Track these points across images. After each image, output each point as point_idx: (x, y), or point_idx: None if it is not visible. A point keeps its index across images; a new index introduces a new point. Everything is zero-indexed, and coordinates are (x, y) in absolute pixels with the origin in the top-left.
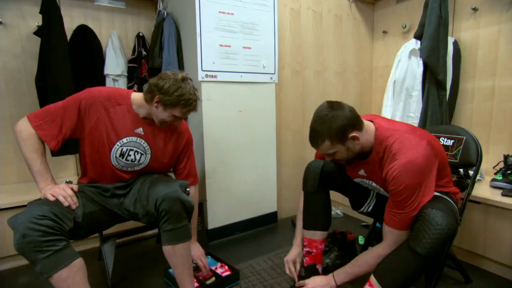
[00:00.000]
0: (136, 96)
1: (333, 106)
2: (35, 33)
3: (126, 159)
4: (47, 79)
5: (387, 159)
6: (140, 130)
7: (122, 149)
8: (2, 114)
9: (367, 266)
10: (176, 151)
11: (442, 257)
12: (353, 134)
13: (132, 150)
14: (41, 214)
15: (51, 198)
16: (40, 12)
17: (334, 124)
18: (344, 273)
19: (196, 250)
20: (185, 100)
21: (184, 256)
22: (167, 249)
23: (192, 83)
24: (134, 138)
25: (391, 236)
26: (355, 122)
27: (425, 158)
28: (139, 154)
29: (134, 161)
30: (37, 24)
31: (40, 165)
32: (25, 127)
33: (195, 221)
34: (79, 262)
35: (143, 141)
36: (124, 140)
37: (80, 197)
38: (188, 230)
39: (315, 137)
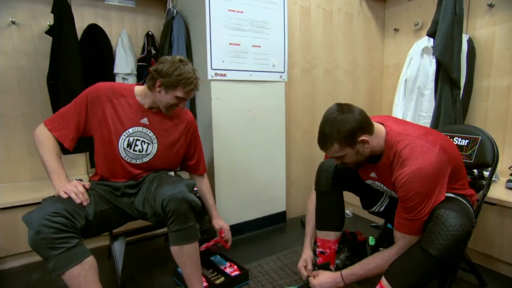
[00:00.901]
0: (140, 88)
1: (342, 108)
2: (47, 32)
3: (133, 150)
4: (59, 77)
5: (396, 164)
6: (145, 120)
7: (128, 139)
8: (14, 112)
9: (377, 267)
10: (182, 138)
11: (456, 259)
12: (363, 137)
13: (139, 140)
14: (54, 211)
15: (64, 196)
16: (52, 12)
17: (343, 127)
18: (352, 273)
19: (223, 223)
20: (185, 79)
21: (192, 256)
22: (175, 249)
23: (191, 64)
24: (140, 128)
25: (403, 241)
26: (364, 125)
27: (435, 165)
28: (146, 144)
29: (142, 151)
30: (48, 23)
31: (55, 164)
32: (41, 131)
33: (211, 198)
34: (91, 260)
35: (148, 130)
36: (130, 130)
37: (91, 196)
38: (195, 230)
39: (324, 140)
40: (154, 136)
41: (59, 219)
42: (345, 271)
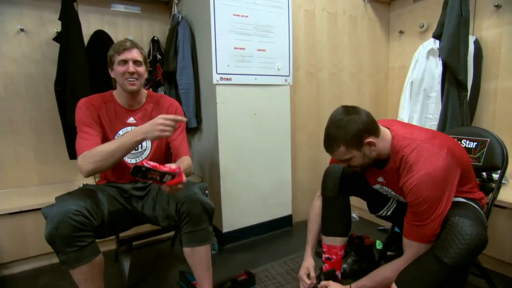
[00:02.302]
0: (116, 91)
1: (348, 110)
2: (55, 39)
3: None
4: (66, 84)
5: (403, 170)
6: (131, 120)
7: None
8: (22, 118)
9: (386, 279)
10: None
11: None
12: (369, 139)
13: None
14: (77, 209)
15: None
16: (59, 19)
17: (349, 129)
18: (362, 285)
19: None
20: (117, 44)
21: (203, 259)
22: (186, 251)
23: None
24: (129, 128)
25: (411, 250)
26: (371, 127)
27: (443, 170)
28: None
29: (138, 148)
30: (56, 30)
31: (111, 142)
32: (80, 164)
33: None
34: (99, 258)
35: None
36: (120, 132)
37: (105, 195)
38: (208, 233)
39: (330, 142)
40: None
41: (79, 218)
42: (355, 284)
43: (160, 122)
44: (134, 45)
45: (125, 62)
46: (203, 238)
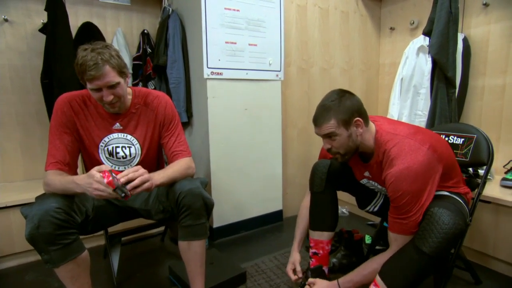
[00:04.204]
0: None
1: (344, 91)
2: (41, 30)
3: (117, 157)
4: (53, 76)
5: (385, 164)
6: (117, 126)
7: (108, 148)
8: (7, 111)
9: (372, 272)
10: (158, 129)
11: (451, 257)
12: (358, 119)
13: (118, 146)
14: (58, 207)
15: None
16: (46, 10)
17: (344, 103)
18: (349, 281)
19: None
20: (82, 70)
21: (198, 254)
22: (182, 244)
23: (103, 45)
24: (115, 135)
25: (396, 243)
26: (363, 111)
27: (424, 164)
28: (127, 148)
29: (126, 156)
30: (42, 21)
31: (63, 181)
32: (44, 179)
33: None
34: (85, 255)
35: (124, 134)
36: (106, 139)
37: None
38: (205, 228)
39: (323, 113)
40: (132, 138)
41: (61, 215)
42: (342, 279)
43: (95, 186)
44: (103, 64)
45: (97, 91)
46: (200, 233)
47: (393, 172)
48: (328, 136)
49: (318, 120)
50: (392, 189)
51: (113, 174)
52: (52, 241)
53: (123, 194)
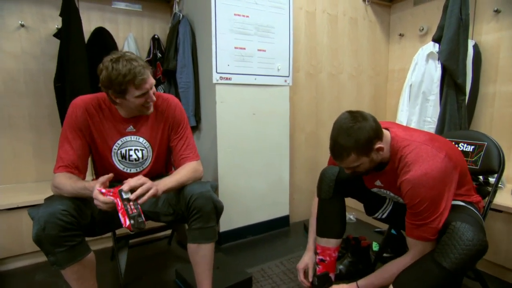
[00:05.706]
0: None
1: (356, 117)
2: (55, 35)
3: (129, 160)
4: (65, 80)
5: (401, 170)
6: (130, 128)
7: (121, 151)
8: (21, 113)
9: (393, 278)
10: (167, 132)
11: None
12: (378, 145)
13: (131, 149)
14: (64, 209)
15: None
16: (60, 15)
17: (360, 137)
18: (368, 283)
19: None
20: (132, 75)
21: (207, 257)
22: (192, 247)
23: (123, 54)
24: (128, 138)
25: (416, 248)
26: (379, 132)
27: (441, 171)
28: (140, 151)
29: (138, 159)
30: (56, 26)
31: (75, 186)
32: (53, 181)
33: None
34: (90, 257)
35: (137, 137)
36: (119, 142)
37: None
38: (214, 231)
39: (340, 151)
40: (145, 141)
41: (67, 217)
42: (361, 282)
43: (95, 202)
44: (145, 68)
45: (143, 95)
46: (210, 236)
47: (410, 178)
48: (349, 168)
49: (336, 158)
50: (409, 195)
51: (125, 203)
52: (57, 243)
53: (141, 226)
